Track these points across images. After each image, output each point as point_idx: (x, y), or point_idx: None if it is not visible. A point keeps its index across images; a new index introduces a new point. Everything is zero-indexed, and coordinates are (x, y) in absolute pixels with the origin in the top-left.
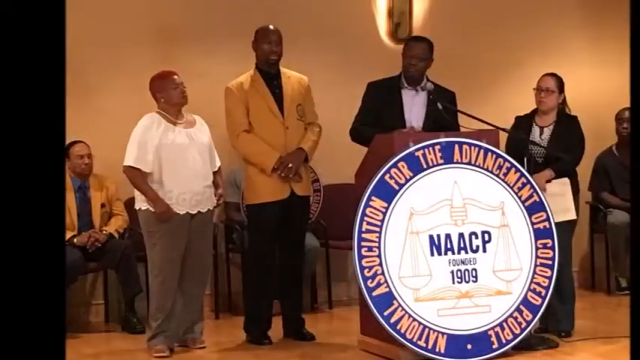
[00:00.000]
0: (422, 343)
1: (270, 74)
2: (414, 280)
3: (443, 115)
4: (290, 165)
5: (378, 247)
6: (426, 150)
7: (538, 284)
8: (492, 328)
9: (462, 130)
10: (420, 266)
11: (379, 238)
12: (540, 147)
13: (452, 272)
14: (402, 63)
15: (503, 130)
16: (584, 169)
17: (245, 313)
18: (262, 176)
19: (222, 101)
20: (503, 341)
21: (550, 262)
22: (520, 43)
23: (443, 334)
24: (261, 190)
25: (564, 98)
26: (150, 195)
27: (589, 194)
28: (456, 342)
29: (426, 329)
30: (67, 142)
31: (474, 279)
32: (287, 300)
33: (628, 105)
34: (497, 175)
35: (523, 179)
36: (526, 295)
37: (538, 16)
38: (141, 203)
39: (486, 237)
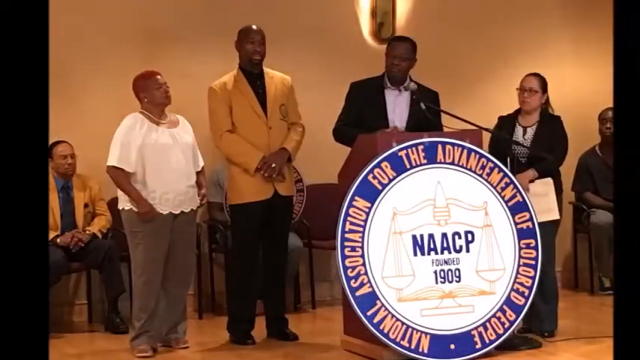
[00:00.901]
0: (405, 343)
1: (253, 74)
2: (397, 280)
3: (426, 115)
4: (273, 165)
5: (362, 247)
6: (409, 150)
7: (521, 284)
8: (476, 328)
9: (445, 130)
10: (403, 266)
11: (362, 238)
12: (523, 147)
13: (435, 272)
14: (385, 63)
15: (487, 130)
16: (568, 169)
17: (228, 313)
18: (245, 176)
19: (206, 101)
20: (487, 341)
21: (533, 262)
22: (503, 43)
23: (426, 334)
24: (245, 190)
25: (547, 98)
26: (133, 195)
27: (572, 194)
28: (440, 342)
29: (409, 329)
30: (50, 142)
31: (457, 279)
32: (270, 300)
33: (611, 105)
34: (480, 175)
35: (506, 179)
36: (509, 295)
37: (521, 16)
38: (124, 203)
39: (469, 237)
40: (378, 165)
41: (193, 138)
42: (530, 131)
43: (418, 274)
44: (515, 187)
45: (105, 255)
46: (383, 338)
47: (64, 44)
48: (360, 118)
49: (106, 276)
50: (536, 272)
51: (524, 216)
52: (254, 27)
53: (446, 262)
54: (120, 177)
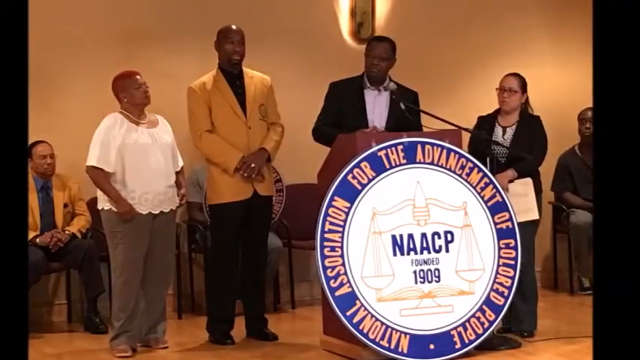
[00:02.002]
0: (384, 343)
1: (232, 74)
2: (377, 280)
3: (406, 115)
4: (252, 165)
5: (341, 247)
6: (389, 150)
7: (501, 284)
8: (455, 328)
9: (425, 130)
10: (382, 266)
11: (342, 238)
12: (503, 147)
13: (414, 272)
14: (365, 63)
15: (466, 130)
16: (547, 169)
17: (207, 313)
18: (225, 176)
19: (185, 101)
20: (466, 341)
21: (513, 262)
22: (482, 42)
23: (405, 334)
24: (224, 190)
25: (527, 98)
26: (112, 195)
27: (552, 194)
28: (419, 342)
29: (389, 329)
30: (30, 142)
31: (437, 279)
32: (249, 300)
33: (590, 105)
34: (459, 175)
35: (486, 179)
36: (489, 295)
37: (500, 16)
38: (103, 203)
39: (449, 237)
40: (357, 165)
41: (173, 138)
42: (510, 131)
43: (398, 274)
44: (495, 187)
45: (84, 255)
46: (362, 338)
47: (44, 44)
48: (340, 118)
49: (85, 276)
50: (515, 272)
51: (504, 216)
52: (233, 27)
53: (425, 262)
54: (99, 177)
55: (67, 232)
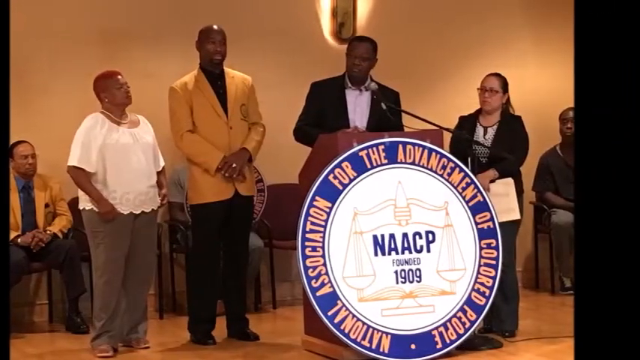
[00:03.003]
0: (366, 343)
1: (214, 74)
2: (358, 280)
3: (387, 115)
4: (234, 165)
5: (322, 247)
6: (370, 150)
7: (482, 284)
8: (436, 328)
9: (406, 130)
10: (363, 266)
11: (323, 238)
12: (484, 147)
13: (396, 272)
14: (346, 63)
15: (447, 130)
16: (529, 169)
17: (189, 313)
18: (206, 176)
19: (167, 101)
20: (447, 341)
21: (494, 262)
22: (464, 42)
23: (387, 334)
24: (205, 190)
25: (508, 98)
26: (94, 195)
27: (533, 194)
28: (400, 342)
29: (370, 329)
30: (11, 142)
31: (418, 279)
32: (231, 300)
33: (572, 105)
34: (441, 175)
35: (467, 179)
36: (470, 295)
37: (482, 16)
38: (85, 203)
39: (430, 237)
40: (338, 165)
41: (154, 138)
42: (491, 131)
43: (379, 274)
44: (476, 187)
45: (66, 255)
46: (344, 338)
47: (25, 43)
48: (321, 117)
49: (66, 276)
50: (497, 272)
51: (485, 216)
52: (215, 27)
53: (407, 262)
54: (80, 177)
55: (48, 232)
